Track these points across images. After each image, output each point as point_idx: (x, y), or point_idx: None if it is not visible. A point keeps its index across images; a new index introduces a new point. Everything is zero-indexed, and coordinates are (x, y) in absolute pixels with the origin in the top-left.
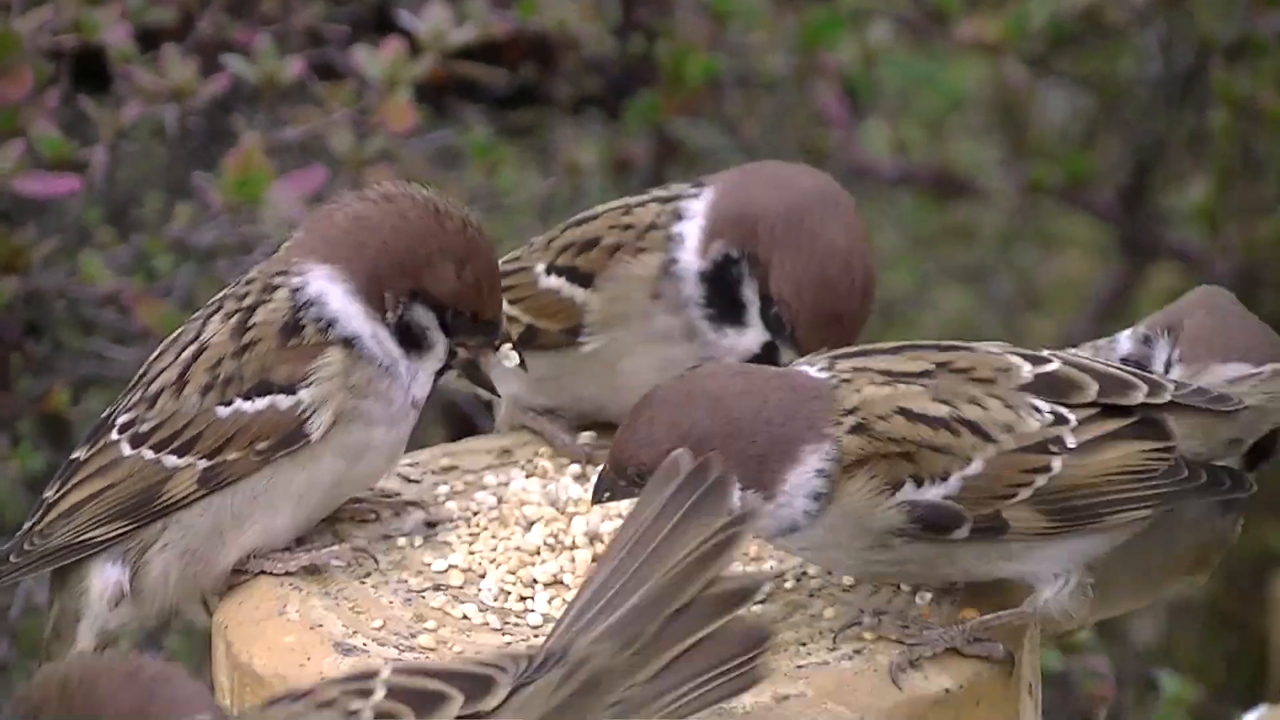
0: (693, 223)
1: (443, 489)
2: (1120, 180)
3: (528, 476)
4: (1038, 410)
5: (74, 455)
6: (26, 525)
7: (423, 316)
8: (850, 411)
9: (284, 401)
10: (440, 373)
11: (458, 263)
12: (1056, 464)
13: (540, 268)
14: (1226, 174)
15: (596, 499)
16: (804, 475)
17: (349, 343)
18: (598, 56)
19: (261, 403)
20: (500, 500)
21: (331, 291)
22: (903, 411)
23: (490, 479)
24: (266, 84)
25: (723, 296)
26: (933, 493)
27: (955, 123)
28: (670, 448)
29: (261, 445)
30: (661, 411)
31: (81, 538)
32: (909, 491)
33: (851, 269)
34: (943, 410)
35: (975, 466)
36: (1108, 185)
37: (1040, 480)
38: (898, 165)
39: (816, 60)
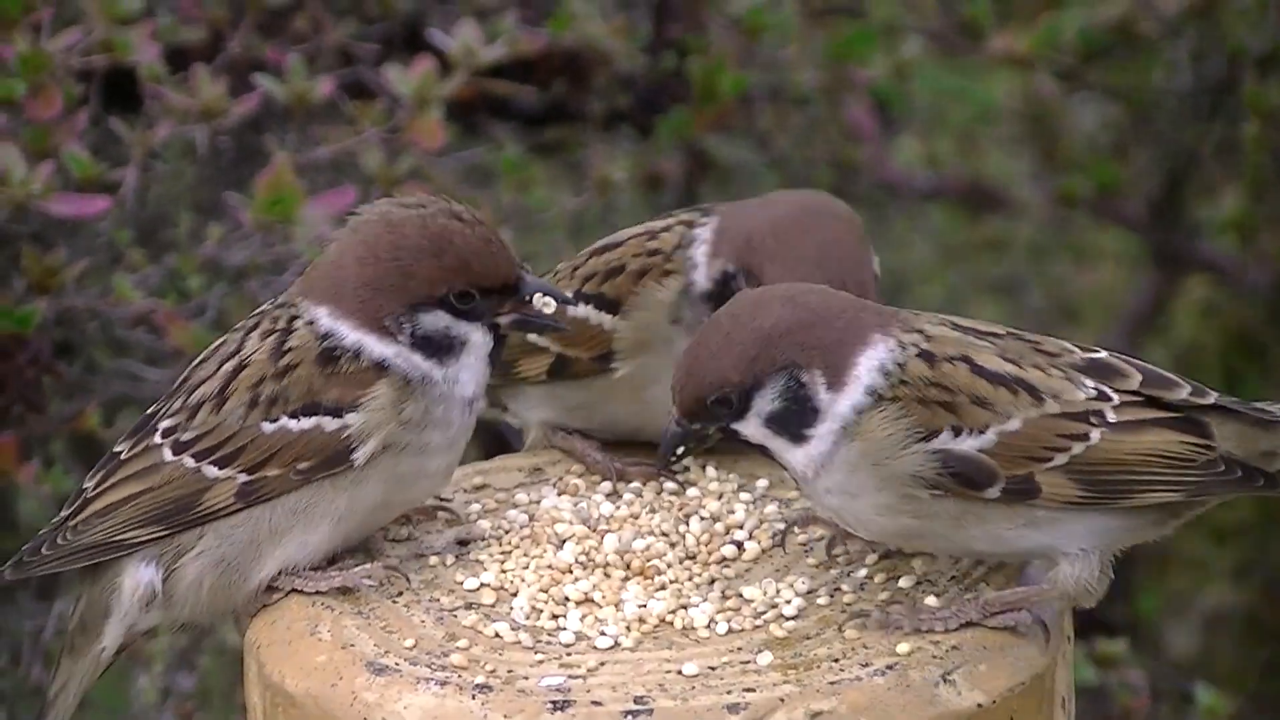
0: (701, 248)
1: (475, 507)
2: (1152, 192)
3: (559, 494)
4: (1085, 385)
5: (116, 449)
6: (63, 514)
7: (433, 320)
8: (920, 331)
9: (330, 424)
10: (494, 352)
11: (434, 255)
12: (1095, 434)
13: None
14: (1259, 185)
15: (669, 456)
16: (873, 362)
17: (382, 367)
18: (629, 73)
19: (308, 422)
20: (532, 518)
21: (339, 327)
22: (967, 360)
23: (522, 497)
24: (297, 103)
25: None
26: (968, 444)
27: (986, 136)
28: (755, 354)
29: (303, 465)
30: (735, 325)
31: (116, 538)
32: (945, 440)
33: (825, 268)
34: (1007, 368)
35: (1014, 424)
36: (1139, 197)
37: (1077, 448)
38: (929, 179)
39: (847, 75)
